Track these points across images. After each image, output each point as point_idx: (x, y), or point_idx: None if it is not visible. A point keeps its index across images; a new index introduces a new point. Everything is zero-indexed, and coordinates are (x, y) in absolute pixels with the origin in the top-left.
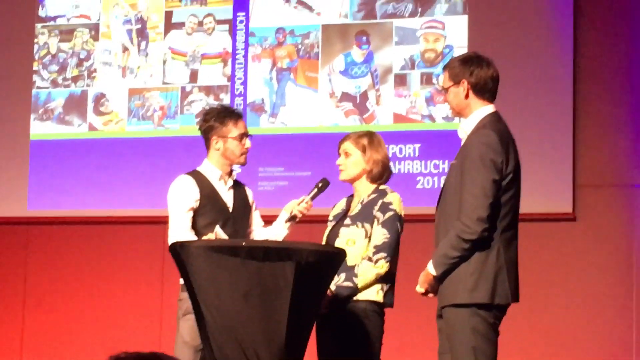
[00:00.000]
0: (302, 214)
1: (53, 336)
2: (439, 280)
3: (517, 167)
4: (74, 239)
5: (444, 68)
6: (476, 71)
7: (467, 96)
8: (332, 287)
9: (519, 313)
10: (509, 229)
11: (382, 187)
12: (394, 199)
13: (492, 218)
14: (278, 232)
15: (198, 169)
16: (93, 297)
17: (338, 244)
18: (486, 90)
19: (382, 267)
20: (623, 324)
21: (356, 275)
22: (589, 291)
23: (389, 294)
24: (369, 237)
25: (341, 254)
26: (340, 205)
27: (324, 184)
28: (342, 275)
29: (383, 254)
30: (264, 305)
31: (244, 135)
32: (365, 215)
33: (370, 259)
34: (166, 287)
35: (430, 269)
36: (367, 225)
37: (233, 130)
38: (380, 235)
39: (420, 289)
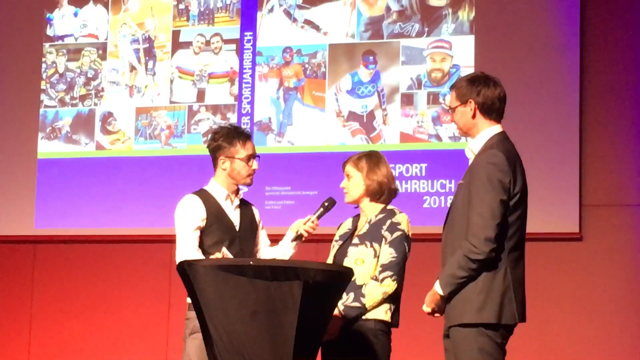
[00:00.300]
0: (308, 233)
1: (60, 355)
2: (446, 300)
3: (524, 187)
4: (81, 257)
5: (451, 88)
6: (483, 91)
7: (474, 116)
8: (341, 307)
9: (526, 333)
10: (516, 249)
11: (389, 207)
12: (402, 219)
13: (500, 238)
14: (284, 251)
15: (205, 188)
16: (100, 316)
17: (347, 263)
18: (493, 110)
19: (389, 285)
20: (630, 344)
21: (364, 295)
22: (596, 311)
23: (395, 314)
24: (377, 256)
25: (349, 273)
26: (347, 224)
27: (330, 203)
28: (351, 295)
29: (389, 273)
30: (272, 324)
31: (252, 156)
32: (373, 235)
33: (376, 279)
34: (173, 306)
35: (438, 289)
36: (376, 245)
37: (241, 151)
38: (387, 254)
39: (427, 308)
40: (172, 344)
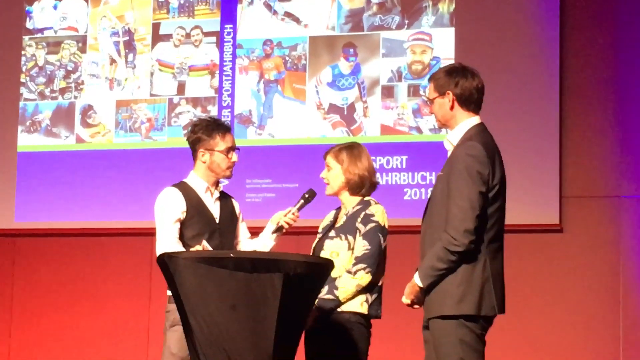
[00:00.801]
0: (288, 225)
1: (40, 347)
2: (425, 291)
3: (503, 178)
4: (61, 251)
5: (430, 79)
6: (461, 82)
7: (452, 107)
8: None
9: (506, 324)
10: (495, 240)
11: (367, 198)
12: (376, 210)
13: (479, 230)
14: (265, 243)
15: (184, 180)
16: (80, 309)
17: (323, 256)
18: (471, 101)
19: (362, 278)
20: (610, 334)
21: (337, 288)
22: (576, 302)
23: (374, 306)
24: (352, 249)
25: (329, 265)
26: (329, 217)
27: (311, 195)
28: (325, 288)
29: (363, 265)
30: (252, 317)
31: (231, 149)
32: (348, 228)
33: (349, 271)
34: (154, 299)
35: (417, 281)
36: (350, 237)
37: (220, 143)
38: (361, 247)
39: (406, 300)
40: (153, 337)
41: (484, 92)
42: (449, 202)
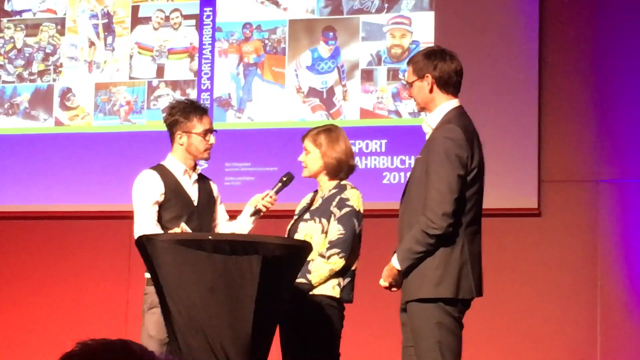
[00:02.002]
0: (266, 208)
1: (18, 330)
2: (403, 274)
3: (481, 162)
4: (40, 234)
5: (408, 63)
6: (440, 65)
7: (431, 90)
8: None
9: (484, 307)
10: (472, 223)
11: (343, 182)
12: (352, 195)
13: (457, 213)
14: (243, 226)
15: (162, 163)
16: (59, 292)
17: (297, 238)
18: (450, 84)
19: (335, 262)
20: (587, 317)
21: (309, 272)
22: (554, 286)
23: (346, 289)
24: (325, 232)
25: (307, 247)
26: (306, 200)
27: (289, 179)
28: None
29: (336, 250)
30: (230, 299)
31: (209, 131)
32: (323, 211)
33: (323, 255)
34: (132, 283)
35: (395, 263)
36: (324, 221)
37: (197, 125)
38: (335, 231)
39: (384, 282)
40: (131, 320)
41: (463, 75)
42: (427, 185)
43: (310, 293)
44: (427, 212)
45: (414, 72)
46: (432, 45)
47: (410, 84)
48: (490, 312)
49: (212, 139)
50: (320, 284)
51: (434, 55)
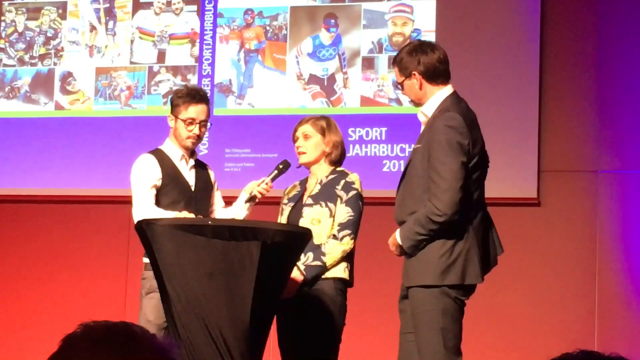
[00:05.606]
0: (261, 194)
1: (18, 313)
2: (403, 253)
3: (483, 146)
4: (39, 218)
5: (393, 64)
6: (422, 59)
7: (421, 86)
8: (302, 267)
9: (483, 297)
10: (477, 208)
11: (339, 168)
12: (355, 178)
13: (463, 200)
14: (238, 212)
15: (160, 147)
16: (58, 276)
17: (302, 223)
18: (438, 74)
19: (348, 243)
20: (585, 307)
21: (324, 254)
22: (552, 275)
23: (351, 273)
24: (333, 215)
25: (307, 234)
26: (295, 187)
27: (285, 166)
28: (310, 255)
29: (348, 231)
30: (229, 285)
31: (192, 121)
32: (328, 195)
33: (335, 237)
34: (131, 267)
35: (397, 238)
36: (331, 205)
37: (183, 112)
38: (344, 213)
39: (391, 247)
40: (130, 304)
41: (448, 61)
42: (431, 174)
43: (323, 277)
44: (433, 200)
45: (400, 72)
46: (434, 33)
47: (401, 85)
48: (489, 301)
49: (196, 129)
50: (333, 266)
51: (414, 51)
